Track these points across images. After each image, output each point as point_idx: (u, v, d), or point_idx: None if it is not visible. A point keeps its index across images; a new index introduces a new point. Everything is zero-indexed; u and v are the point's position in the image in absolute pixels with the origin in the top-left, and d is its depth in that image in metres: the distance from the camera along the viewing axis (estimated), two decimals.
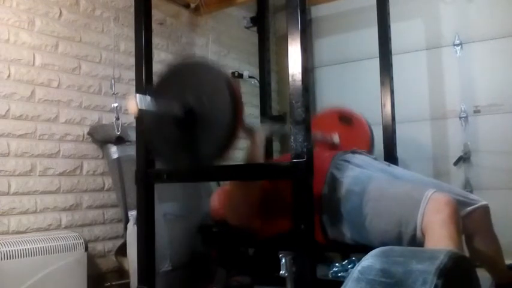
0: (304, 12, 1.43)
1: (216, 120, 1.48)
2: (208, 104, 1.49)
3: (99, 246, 2.20)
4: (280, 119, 2.86)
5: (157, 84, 1.68)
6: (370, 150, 2.47)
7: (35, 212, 1.97)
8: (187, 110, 1.51)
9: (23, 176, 1.94)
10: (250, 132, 1.83)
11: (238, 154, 1.95)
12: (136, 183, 1.82)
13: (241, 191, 1.84)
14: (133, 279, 1.90)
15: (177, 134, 1.57)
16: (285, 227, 1.67)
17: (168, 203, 2.17)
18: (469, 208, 1.72)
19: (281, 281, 1.44)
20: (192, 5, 2.71)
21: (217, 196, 2.02)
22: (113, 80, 2.20)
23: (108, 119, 2.24)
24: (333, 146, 2.42)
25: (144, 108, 1.48)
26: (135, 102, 1.44)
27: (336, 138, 2.44)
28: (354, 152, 1.90)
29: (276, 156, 2.80)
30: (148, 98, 1.53)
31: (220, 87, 1.48)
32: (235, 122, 1.47)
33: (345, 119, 2.49)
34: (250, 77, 3.16)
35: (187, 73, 1.59)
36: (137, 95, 1.50)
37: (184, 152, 1.57)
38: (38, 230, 1.96)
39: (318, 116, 2.65)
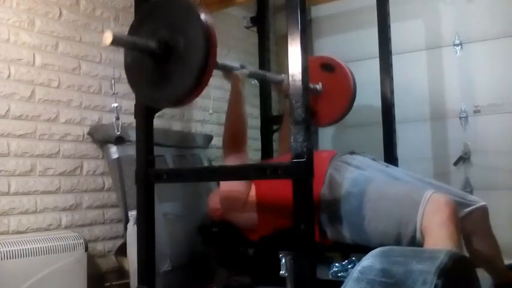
0: (304, 12, 1.43)
1: (190, 55, 1.51)
2: (182, 39, 1.52)
3: (99, 246, 2.20)
4: (280, 119, 2.86)
5: (134, 21, 1.70)
6: (353, 95, 2.49)
7: (35, 212, 1.97)
8: (163, 45, 1.54)
9: (23, 176, 1.94)
10: (228, 73, 1.89)
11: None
12: (137, 183, 1.81)
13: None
14: (133, 279, 1.90)
15: (154, 70, 1.60)
16: (282, 225, 1.68)
17: (168, 203, 2.17)
18: (468, 209, 1.72)
19: (281, 281, 1.44)
20: None
21: (215, 196, 2.02)
22: (113, 80, 2.20)
23: (108, 119, 2.24)
24: (315, 94, 2.43)
25: (118, 40, 1.48)
26: (110, 34, 1.44)
27: (318, 86, 2.46)
28: (352, 153, 1.90)
29: (276, 156, 2.79)
30: (125, 34, 1.59)
31: (195, 22, 1.51)
32: (207, 57, 1.49)
33: (327, 67, 2.50)
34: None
35: (163, 10, 1.61)
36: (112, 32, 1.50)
37: (160, 87, 1.60)
38: (38, 230, 1.96)
39: None
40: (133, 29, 1.67)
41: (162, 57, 1.56)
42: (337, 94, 2.47)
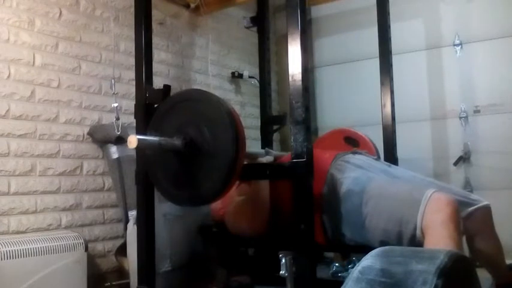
0: (304, 12, 1.43)
1: (218, 153, 1.43)
2: (209, 137, 1.45)
3: (99, 246, 2.19)
4: (280, 119, 2.86)
5: (157, 117, 1.65)
6: None
7: (35, 212, 1.97)
8: (188, 142, 1.47)
9: (23, 176, 1.94)
10: (254, 161, 1.83)
11: None
12: (136, 183, 1.82)
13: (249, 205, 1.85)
14: (133, 279, 1.90)
15: (178, 167, 1.53)
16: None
17: (168, 203, 2.16)
18: (471, 208, 1.72)
19: (281, 281, 1.44)
20: (192, 5, 2.71)
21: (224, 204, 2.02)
22: (113, 80, 2.20)
23: (108, 119, 2.24)
24: None
25: (145, 143, 1.45)
26: (135, 139, 1.40)
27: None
28: (354, 153, 1.90)
29: None
30: (149, 137, 1.52)
31: (222, 120, 1.44)
32: (238, 155, 1.42)
33: (351, 140, 2.48)
34: (250, 77, 3.16)
35: (187, 105, 1.56)
36: (137, 136, 1.45)
37: (186, 187, 1.53)
38: (38, 230, 1.96)
39: (323, 137, 2.65)
40: (155, 124, 1.60)
41: (188, 155, 1.49)
42: None
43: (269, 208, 1.83)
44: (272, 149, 2.79)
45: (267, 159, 1.90)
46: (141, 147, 1.45)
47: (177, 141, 1.48)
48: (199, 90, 1.58)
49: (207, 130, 1.46)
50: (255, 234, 1.88)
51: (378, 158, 1.96)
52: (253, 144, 2.87)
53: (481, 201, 1.76)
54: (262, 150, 1.94)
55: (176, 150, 1.49)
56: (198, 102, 1.54)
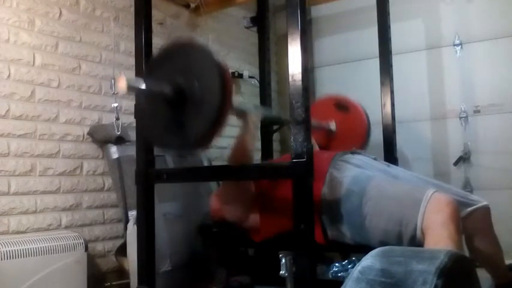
0: (304, 12, 1.43)
1: (206, 100, 1.49)
2: (198, 85, 1.50)
3: (99, 246, 2.19)
4: (280, 119, 2.86)
5: (148, 66, 1.69)
6: (366, 136, 2.50)
7: (35, 212, 1.97)
8: (178, 91, 1.52)
9: (23, 176, 1.94)
10: (242, 114, 1.86)
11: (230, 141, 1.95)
12: (136, 183, 1.82)
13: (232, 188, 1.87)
14: (133, 279, 1.90)
15: (168, 115, 1.58)
16: (284, 227, 1.68)
17: (168, 203, 2.16)
18: (470, 208, 1.72)
19: (281, 281, 1.44)
20: (192, 5, 2.71)
21: (216, 196, 2.02)
22: (113, 80, 2.20)
23: (108, 119, 2.24)
24: (329, 133, 2.43)
25: (133, 87, 1.48)
26: (124, 80, 1.43)
27: (332, 125, 2.46)
28: (353, 153, 1.90)
29: (276, 156, 2.79)
30: (138, 79, 1.55)
31: (210, 68, 1.49)
32: (224, 102, 1.47)
33: (342, 106, 2.51)
34: (250, 77, 3.16)
35: (178, 54, 1.60)
36: (124, 76, 1.50)
37: (175, 133, 1.58)
38: (38, 230, 1.96)
39: (315, 104, 2.65)
40: (147, 73, 1.64)
41: (177, 102, 1.53)
42: (350, 134, 2.47)
43: (252, 194, 1.85)
44: (272, 149, 2.80)
45: (255, 114, 1.92)
46: (130, 91, 1.48)
47: (166, 89, 1.52)
48: (191, 40, 1.62)
49: (195, 79, 1.51)
50: (241, 218, 1.90)
51: (376, 158, 1.95)
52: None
53: (480, 201, 1.76)
54: (251, 106, 1.96)
55: (166, 98, 1.54)
56: (189, 52, 1.58)
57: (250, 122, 1.86)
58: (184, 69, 1.55)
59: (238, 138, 1.87)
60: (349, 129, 2.47)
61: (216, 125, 1.49)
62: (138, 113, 1.69)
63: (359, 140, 2.48)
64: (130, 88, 1.45)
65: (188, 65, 1.55)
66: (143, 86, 1.51)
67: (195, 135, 1.53)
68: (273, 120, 2.35)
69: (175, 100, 1.53)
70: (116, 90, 1.42)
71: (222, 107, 1.47)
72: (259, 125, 1.96)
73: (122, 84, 1.43)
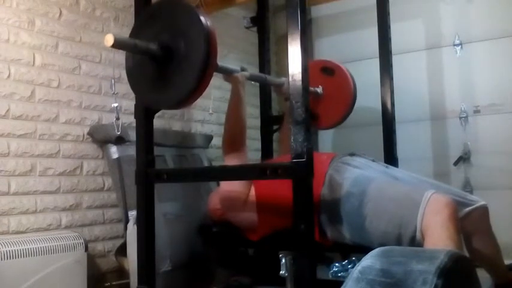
0: (304, 12, 1.43)
1: (191, 58, 1.52)
2: (184, 42, 1.54)
3: (99, 246, 2.19)
4: (280, 119, 2.86)
5: (135, 24, 1.72)
6: (353, 98, 2.52)
7: (35, 212, 1.97)
8: (164, 48, 1.55)
9: (23, 176, 1.94)
10: (229, 75, 1.91)
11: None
12: (136, 183, 1.82)
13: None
14: (133, 279, 1.90)
15: (156, 73, 1.61)
16: (281, 224, 1.68)
17: (168, 203, 2.17)
18: (468, 209, 1.72)
19: (281, 281, 1.44)
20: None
21: (215, 196, 2.02)
22: (113, 80, 2.20)
23: (108, 119, 2.24)
24: (316, 97, 2.44)
25: (120, 42, 1.49)
26: (111, 37, 1.44)
27: (319, 89, 2.48)
28: (352, 155, 1.90)
29: (276, 156, 2.79)
30: (126, 37, 1.59)
31: (196, 26, 1.52)
32: (208, 59, 1.50)
33: (327, 70, 2.54)
34: None
35: (165, 13, 1.62)
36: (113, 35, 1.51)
37: (161, 90, 1.62)
38: (38, 230, 1.96)
39: None
40: (135, 32, 1.68)
41: (163, 60, 1.57)
42: (337, 97, 2.51)
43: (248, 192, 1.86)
44: (272, 149, 2.80)
45: (242, 74, 1.96)
46: (117, 47, 1.50)
47: (152, 46, 1.56)
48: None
49: (182, 37, 1.55)
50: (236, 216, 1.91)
51: (375, 159, 1.96)
52: (253, 143, 2.87)
53: (479, 201, 1.76)
54: (238, 67, 2.00)
55: (152, 55, 1.57)
56: (175, 10, 1.61)
57: (237, 82, 1.91)
58: (170, 27, 1.58)
59: (228, 103, 1.92)
60: (336, 92, 2.51)
61: (200, 82, 1.52)
62: (128, 72, 1.72)
63: (346, 102, 2.52)
64: (117, 43, 1.47)
65: (174, 23, 1.58)
66: (130, 42, 1.55)
67: (180, 92, 1.57)
68: (258, 79, 2.38)
69: (161, 58, 1.56)
70: (106, 44, 1.44)
71: (206, 65, 1.50)
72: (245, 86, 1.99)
73: (109, 39, 1.44)
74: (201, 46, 1.50)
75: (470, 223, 1.71)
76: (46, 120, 2.04)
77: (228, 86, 1.99)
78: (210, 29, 1.53)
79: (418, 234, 1.49)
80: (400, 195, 1.61)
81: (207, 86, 1.56)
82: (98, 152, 2.22)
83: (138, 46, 1.57)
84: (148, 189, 1.80)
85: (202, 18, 1.52)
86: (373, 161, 1.92)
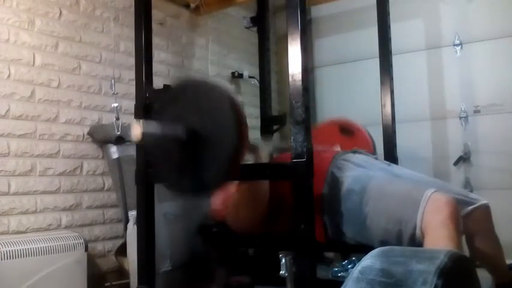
0: (304, 12, 1.43)
1: (220, 141, 1.42)
2: (211, 125, 1.44)
3: (99, 246, 2.19)
4: (280, 119, 2.86)
5: (159, 105, 1.63)
6: None
7: (35, 212, 1.97)
8: (191, 132, 1.46)
9: (23, 176, 1.94)
10: (254, 150, 1.82)
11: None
12: (136, 183, 1.82)
13: (248, 197, 1.82)
14: (134, 279, 1.90)
15: (180, 156, 1.51)
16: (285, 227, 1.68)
17: (168, 203, 2.16)
18: (470, 207, 1.72)
19: (281, 281, 1.44)
20: (192, 5, 2.71)
21: (219, 197, 2.02)
22: (113, 80, 2.20)
23: (108, 119, 2.24)
24: None
25: (148, 132, 1.44)
26: (139, 127, 1.41)
27: (337, 148, 2.43)
28: (354, 152, 1.90)
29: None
30: (152, 122, 1.50)
31: (223, 107, 1.43)
32: (240, 142, 1.42)
33: (346, 131, 2.48)
34: (250, 77, 3.16)
35: (189, 93, 1.54)
36: (141, 120, 1.46)
37: (188, 175, 1.52)
38: (38, 230, 1.96)
39: (319, 128, 2.63)
40: (157, 113, 1.58)
41: (190, 144, 1.47)
42: None
43: (268, 201, 1.81)
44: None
45: (265, 149, 1.89)
46: (144, 136, 1.44)
47: (179, 131, 1.46)
48: (200, 78, 1.56)
49: (208, 118, 1.44)
50: (255, 229, 1.86)
51: (377, 157, 1.95)
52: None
53: (480, 200, 1.76)
54: (260, 141, 1.95)
55: (178, 140, 1.48)
56: (199, 90, 1.53)
57: (262, 157, 1.83)
58: (195, 108, 1.48)
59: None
60: None
61: (232, 164, 1.43)
62: (149, 150, 1.61)
63: None
64: (145, 133, 1.42)
65: (199, 103, 1.48)
66: (158, 131, 1.47)
67: (211, 177, 1.46)
68: (283, 150, 2.34)
69: (187, 142, 1.46)
70: (132, 139, 1.37)
71: (238, 147, 1.41)
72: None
73: (136, 131, 1.39)
74: (232, 132, 1.39)
75: (472, 222, 1.71)
76: (46, 120, 2.04)
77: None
78: (238, 110, 1.42)
79: (418, 232, 1.49)
80: (401, 193, 1.61)
81: (239, 169, 1.46)
82: (98, 152, 2.22)
83: (165, 133, 1.48)
84: (148, 189, 1.80)
85: (231, 99, 1.43)
86: (376, 158, 1.92)
